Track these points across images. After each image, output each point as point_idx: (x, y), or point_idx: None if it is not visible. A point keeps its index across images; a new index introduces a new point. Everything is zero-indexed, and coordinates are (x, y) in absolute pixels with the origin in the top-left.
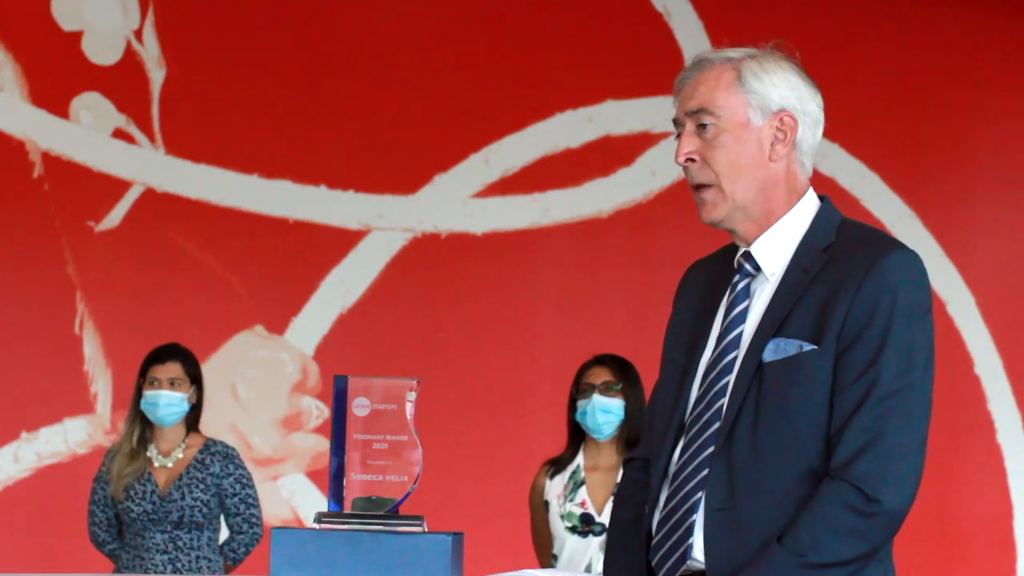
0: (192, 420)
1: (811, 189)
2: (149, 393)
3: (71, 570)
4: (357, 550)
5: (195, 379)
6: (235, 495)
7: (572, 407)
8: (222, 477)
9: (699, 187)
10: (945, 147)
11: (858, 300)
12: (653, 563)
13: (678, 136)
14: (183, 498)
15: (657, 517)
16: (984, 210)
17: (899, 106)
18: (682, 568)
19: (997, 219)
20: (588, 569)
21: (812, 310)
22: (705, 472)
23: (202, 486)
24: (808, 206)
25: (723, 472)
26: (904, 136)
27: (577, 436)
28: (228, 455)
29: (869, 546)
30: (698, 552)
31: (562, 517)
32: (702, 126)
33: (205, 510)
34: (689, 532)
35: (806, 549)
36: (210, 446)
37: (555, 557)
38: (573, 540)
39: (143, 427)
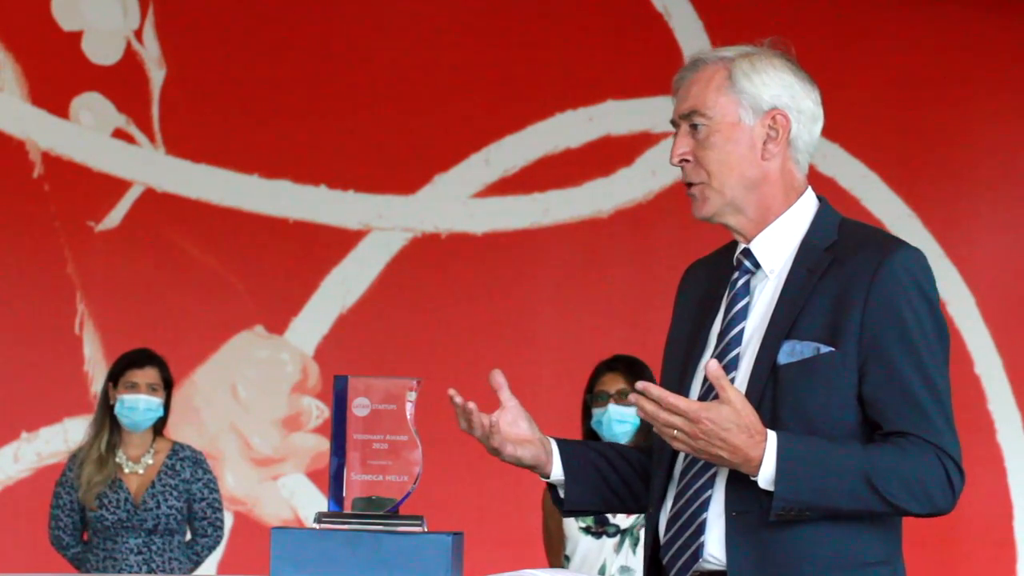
0: (159, 425)
1: (810, 188)
2: (128, 397)
3: (71, 570)
4: (357, 550)
5: (168, 384)
6: (203, 499)
7: (586, 412)
8: (192, 482)
9: (691, 185)
10: (945, 147)
11: (873, 301)
12: (664, 561)
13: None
14: (158, 507)
15: (665, 516)
16: (984, 210)
17: (899, 106)
18: (695, 567)
19: (997, 219)
20: (601, 571)
21: (824, 311)
22: (713, 470)
23: (175, 493)
24: (807, 205)
25: (738, 474)
26: (904, 136)
27: (592, 440)
28: (197, 460)
29: (928, 510)
30: (712, 552)
31: (576, 518)
32: (694, 126)
33: (179, 517)
34: (700, 530)
35: (880, 475)
36: (178, 451)
37: (567, 559)
38: (587, 541)
39: (111, 432)
